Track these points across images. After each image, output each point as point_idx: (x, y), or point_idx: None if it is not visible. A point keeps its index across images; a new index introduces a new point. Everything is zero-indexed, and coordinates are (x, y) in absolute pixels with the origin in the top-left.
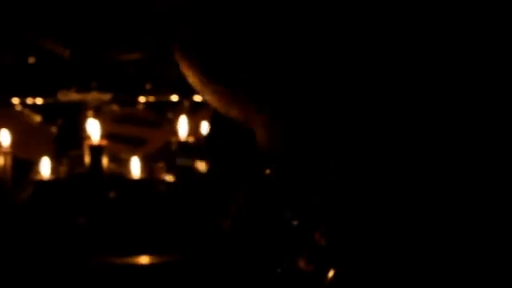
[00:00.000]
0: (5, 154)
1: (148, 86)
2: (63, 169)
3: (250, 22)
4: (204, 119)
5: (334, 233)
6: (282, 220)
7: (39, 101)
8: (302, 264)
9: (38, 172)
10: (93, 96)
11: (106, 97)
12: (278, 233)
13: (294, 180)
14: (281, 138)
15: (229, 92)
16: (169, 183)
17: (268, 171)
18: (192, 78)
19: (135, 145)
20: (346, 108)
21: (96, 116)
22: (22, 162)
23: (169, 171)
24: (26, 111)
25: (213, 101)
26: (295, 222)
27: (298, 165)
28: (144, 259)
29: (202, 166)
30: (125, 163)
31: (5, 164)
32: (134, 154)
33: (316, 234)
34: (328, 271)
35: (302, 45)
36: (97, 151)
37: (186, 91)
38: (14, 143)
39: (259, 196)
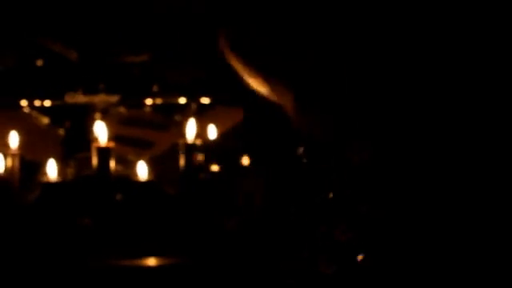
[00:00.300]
0: (13, 155)
1: (155, 89)
2: (70, 171)
3: (285, 24)
4: (211, 122)
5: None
6: (319, 193)
7: (47, 103)
8: (338, 233)
9: (45, 174)
10: (100, 98)
11: (114, 99)
12: (316, 205)
13: (325, 156)
14: (308, 122)
15: (271, 80)
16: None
17: (301, 150)
18: (241, 70)
19: (142, 147)
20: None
21: (103, 118)
22: (30, 163)
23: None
24: (34, 113)
25: (258, 87)
26: (331, 194)
27: (324, 145)
28: (150, 261)
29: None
30: (132, 165)
31: (12, 165)
32: (141, 156)
33: (355, 204)
34: (365, 240)
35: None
36: (104, 153)
37: (194, 93)
38: (22, 145)
39: (294, 172)
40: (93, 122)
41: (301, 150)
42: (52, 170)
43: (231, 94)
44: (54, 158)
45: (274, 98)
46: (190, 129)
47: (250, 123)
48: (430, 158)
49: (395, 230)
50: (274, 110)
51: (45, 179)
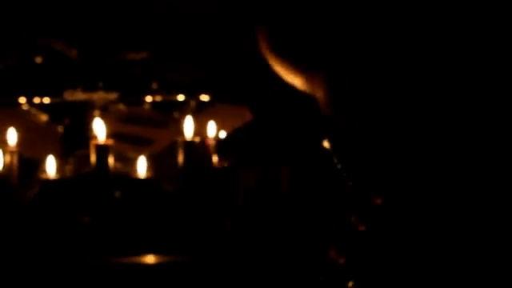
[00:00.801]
0: (11, 152)
1: (154, 86)
2: (69, 168)
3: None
4: (210, 119)
5: (389, 195)
6: (338, 182)
7: (46, 100)
8: (354, 224)
9: (44, 171)
10: (99, 95)
11: (113, 96)
12: (334, 194)
13: (351, 143)
14: (338, 108)
15: (307, 72)
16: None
17: (326, 143)
18: (275, 63)
19: (141, 144)
20: (379, 101)
21: (102, 115)
22: (29, 161)
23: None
24: (33, 110)
25: (292, 79)
26: (350, 183)
27: (355, 130)
28: (149, 259)
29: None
30: (131, 163)
31: (11, 163)
32: (140, 153)
33: (371, 194)
34: (383, 232)
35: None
36: (103, 151)
37: (192, 91)
38: (21, 142)
39: (316, 163)
40: (92, 120)
41: (325, 142)
42: (51, 167)
43: (232, 92)
44: (52, 155)
45: (307, 90)
46: (188, 126)
47: (263, 121)
48: (447, 155)
49: (408, 225)
50: (291, 106)
51: (44, 176)
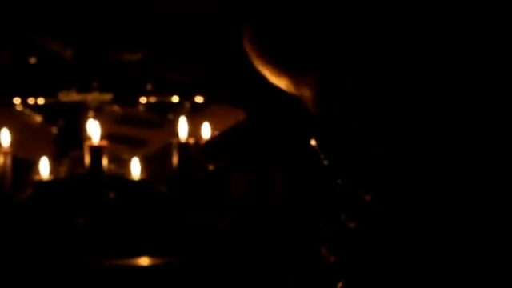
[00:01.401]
0: (5, 153)
1: (149, 87)
2: (63, 169)
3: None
4: (205, 121)
5: (378, 192)
6: (328, 182)
7: (40, 101)
8: (344, 221)
9: (37, 172)
10: (93, 96)
11: (107, 97)
12: (325, 193)
13: (339, 143)
14: (328, 106)
15: (290, 74)
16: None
17: (313, 141)
18: (258, 62)
19: (136, 146)
20: (369, 100)
21: (96, 116)
22: (22, 161)
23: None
24: (27, 111)
25: (277, 81)
26: (339, 181)
27: (343, 129)
28: (144, 260)
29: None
30: (125, 164)
31: (5, 164)
32: (135, 154)
33: (361, 192)
34: (373, 229)
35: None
36: (97, 152)
37: (187, 92)
38: (15, 143)
39: (306, 163)
40: (86, 121)
41: (313, 141)
42: (45, 168)
43: (229, 93)
44: (46, 156)
45: (293, 90)
46: (182, 127)
47: (258, 122)
48: (434, 151)
49: (398, 221)
50: (285, 107)
51: (37, 178)
